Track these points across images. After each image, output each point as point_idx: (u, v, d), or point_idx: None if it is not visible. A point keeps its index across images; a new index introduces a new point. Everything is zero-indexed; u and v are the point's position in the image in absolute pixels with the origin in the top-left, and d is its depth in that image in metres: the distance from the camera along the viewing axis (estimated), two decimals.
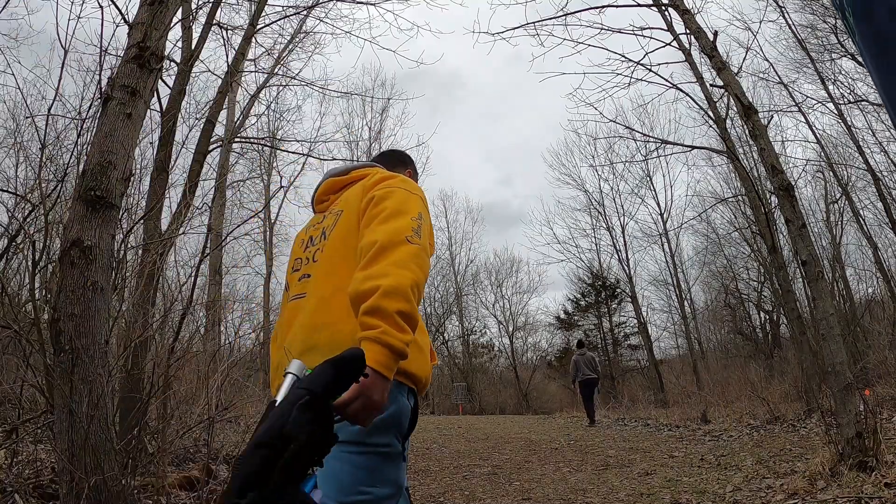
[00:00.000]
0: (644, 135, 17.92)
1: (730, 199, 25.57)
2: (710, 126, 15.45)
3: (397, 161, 2.50)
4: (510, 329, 35.30)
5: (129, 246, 6.44)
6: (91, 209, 3.89)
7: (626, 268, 31.32)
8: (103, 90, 3.97)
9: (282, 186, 26.57)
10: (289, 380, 1.15)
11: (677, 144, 14.03)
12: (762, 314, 29.68)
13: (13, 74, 14.14)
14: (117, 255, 4.97)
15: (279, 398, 1.11)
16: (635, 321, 31.42)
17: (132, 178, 4.56)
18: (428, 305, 34.95)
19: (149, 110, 4.97)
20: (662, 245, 30.77)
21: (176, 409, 7.40)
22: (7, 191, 9.55)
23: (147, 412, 6.26)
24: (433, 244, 1.88)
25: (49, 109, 4.63)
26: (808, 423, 8.84)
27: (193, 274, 6.80)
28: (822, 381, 9.73)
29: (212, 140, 9.00)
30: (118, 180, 4.00)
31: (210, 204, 8.07)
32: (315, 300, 1.76)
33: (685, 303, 30.54)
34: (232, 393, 11.57)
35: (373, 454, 1.60)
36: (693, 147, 14.29)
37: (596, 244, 32.84)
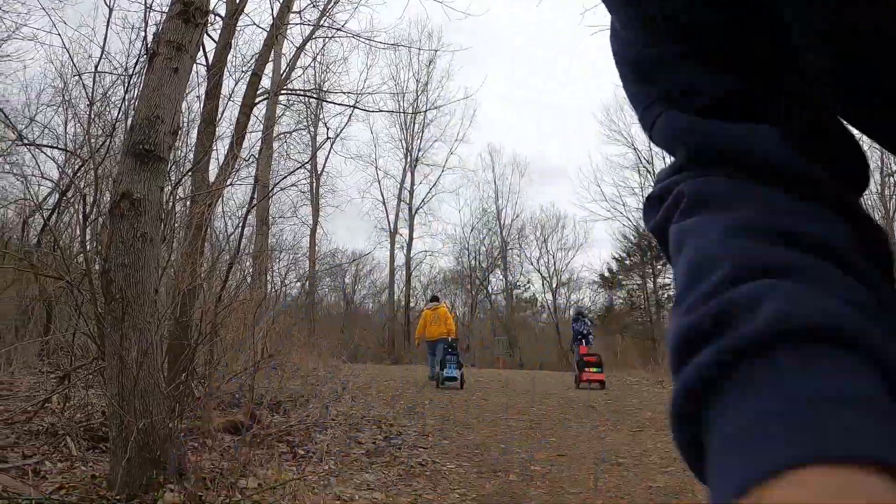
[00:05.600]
0: None
1: None
2: None
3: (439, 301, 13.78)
4: (554, 285, 35.19)
5: (178, 198, 6.58)
6: (140, 163, 3.99)
7: None
8: (149, 46, 4.03)
9: (328, 138, 26.73)
10: (449, 339, 12.06)
11: None
12: None
13: (59, 34, 14.38)
14: (166, 206, 5.10)
15: (448, 341, 12.04)
16: None
17: (179, 132, 4.64)
18: (472, 258, 35.05)
19: (195, 65, 5.02)
20: None
21: (223, 355, 7.66)
22: (57, 147, 9.82)
23: (195, 359, 6.50)
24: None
25: (96, 67, 4.73)
26: None
27: (241, 224, 6.98)
28: None
29: (258, 93, 9.06)
30: (166, 134, 4.09)
31: (257, 156, 8.17)
32: (443, 325, 12.26)
33: None
34: (277, 341, 11.89)
35: None
36: None
37: (644, 204, 32.17)
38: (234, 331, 8.08)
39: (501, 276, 35.28)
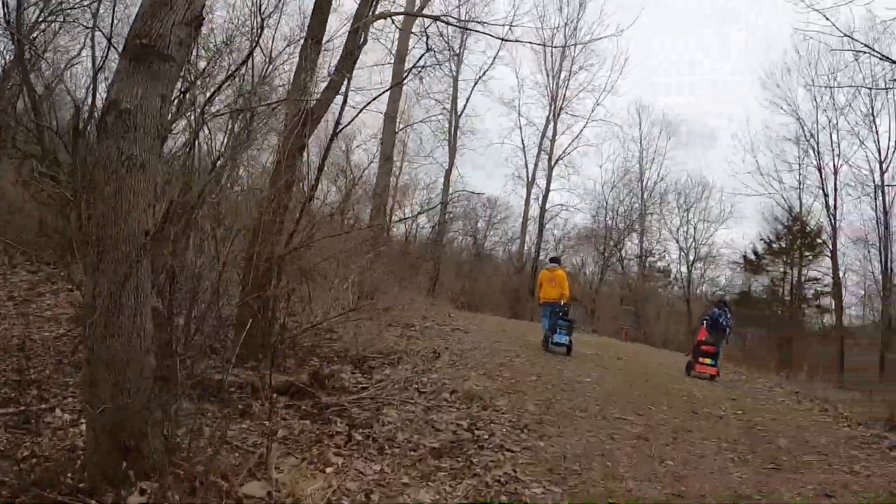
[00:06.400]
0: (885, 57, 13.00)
1: None
2: None
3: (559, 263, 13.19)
4: (690, 258, 32.61)
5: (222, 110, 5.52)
6: (135, 63, 2.96)
7: (831, 217, 27.07)
8: None
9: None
10: (561, 304, 11.66)
11: None
12: None
13: None
14: (198, 121, 4.12)
15: (560, 305, 11.65)
16: (830, 279, 27.64)
17: (204, 23, 3.55)
18: (609, 218, 33.04)
19: None
20: (876, 198, 25.89)
21: (298, 307, 6.82)
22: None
23: (242, 313, 5.64)
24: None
25: None
26: None
27: (324, 153, 5.96)
28: None
29: (377, 13, 7.89)
30: (175, 24, 3.02)
31: (332, 74, 6.99)
32: (558, 289, 11.82)
33: (890, 271, 25.97)
34: (372, 285, 11.05)
35: None
36: None
37: (800, 182, 28.42)
38: (320, 278, 7.20)
39: (637, 241, 33.05)
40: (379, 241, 13.56)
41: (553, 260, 13.56)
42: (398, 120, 16.10)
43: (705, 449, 6.33)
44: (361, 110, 6.65)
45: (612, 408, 7.59)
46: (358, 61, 7.66)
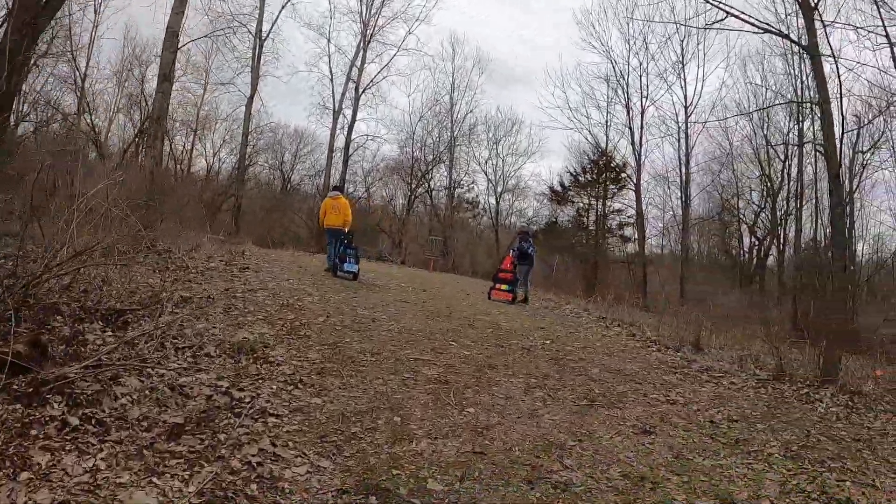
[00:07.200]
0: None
1: (780, 105, 23.17)
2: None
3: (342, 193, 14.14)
4: (499, 190, 33.95)
5: None
6: None
7: (636, 153, 29.11)
8: None
9: None
10: (344, 232, 12.28)
11: (748, 22, 10.08)
12: (753, 238, 28.47)
13: None
14: None
15: (345, 233, 12.33)
16: (633, 211, 29.74)
17: None
18: (418, 150, 33.01)
19: None
20: (679, 140, 28.28)
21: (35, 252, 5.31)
22: None
23: None
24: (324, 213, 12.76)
25: None
26: (821, 394, 6.72)
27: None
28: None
29: None
30: None
31: None
32: (341, 216, 12.39)
33: (688, 206, 28.57)
34: (145, 221, 9.42)
35: None
36: (767, 30, 10.52)
37: (607, 120, 30.19)
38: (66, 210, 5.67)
39: (445, 173, 33.48)
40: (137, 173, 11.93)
41: (335, 188, 14.04)
42: (180, 35, 14.03)
43: (512, 388, 5.91)
44: None
45: (409, 348, 6.99)
46: None
